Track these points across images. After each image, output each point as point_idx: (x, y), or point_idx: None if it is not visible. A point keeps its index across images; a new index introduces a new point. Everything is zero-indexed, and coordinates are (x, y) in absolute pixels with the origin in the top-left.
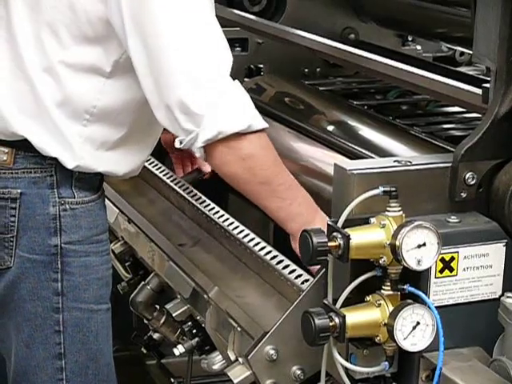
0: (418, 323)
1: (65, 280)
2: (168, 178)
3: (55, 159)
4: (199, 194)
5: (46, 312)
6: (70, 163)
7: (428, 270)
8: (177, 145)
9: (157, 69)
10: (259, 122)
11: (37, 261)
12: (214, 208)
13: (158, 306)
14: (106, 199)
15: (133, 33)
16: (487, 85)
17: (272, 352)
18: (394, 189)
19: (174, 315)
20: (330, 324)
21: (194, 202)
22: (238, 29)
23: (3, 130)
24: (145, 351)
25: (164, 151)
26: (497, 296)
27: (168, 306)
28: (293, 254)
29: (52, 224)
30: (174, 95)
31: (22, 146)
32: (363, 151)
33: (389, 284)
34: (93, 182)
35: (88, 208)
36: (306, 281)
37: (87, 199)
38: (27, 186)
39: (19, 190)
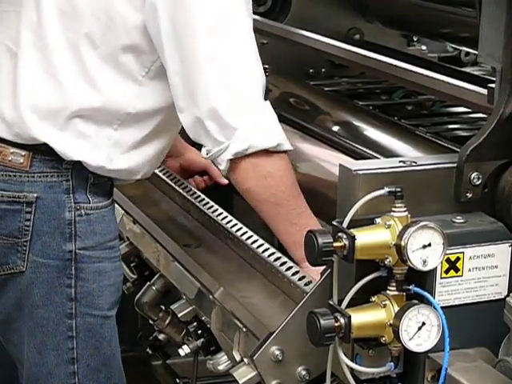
0: (424, 324)
1: (78, 286)
2: (173, 180)
3: (72, 164)
4: (203, 196)
5: (58, 318)
6: (93, 167)
7: (433, 271)
8: (203, 154)
9: (193, 80)
10: (286, 143)
11: (51, 266)
12: (217, 209)
13: (163, 307)
14: None
15: (170, 43)
16: (492, 85)
17: (277, 352)
18: (399, 189)
19: (179, 316)
20: (336, 324)
21: (198, 203)
22: None
23: (22, 134)
24: (150, 352)
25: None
26: (502, 296)
27: (173, 307)
28: None
29: (67, 229)
30: (208, 106)
31: (39, 150)
32: (368, 151)
33: (394, 284)
34: (106, 187)
35: (102, 214)
36: (311, 282)
37: (101, 205)
38: (43, 191)
39: (35, 194)
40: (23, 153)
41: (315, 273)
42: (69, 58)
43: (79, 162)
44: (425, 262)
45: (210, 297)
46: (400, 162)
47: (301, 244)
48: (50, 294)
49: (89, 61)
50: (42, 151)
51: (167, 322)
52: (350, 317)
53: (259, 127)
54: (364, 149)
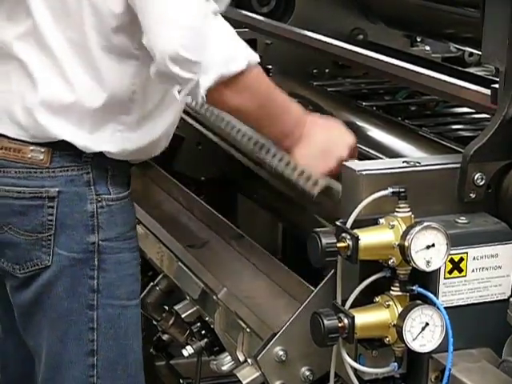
0: (427, 324)
1: (101, 277)
2: (177, 180)
3: (91, 156)
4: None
5: (81, 309)
6: (115, 153)
7: (437, 271)
8: (176, 96)
9: (148, 22)
10: (253, 56)
11: (75, 259)
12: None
13: (166, 307)
14: None
15: None
16: (496, 85)
17: (281, 353)
18: (402, 189)
19: (182, 316)
20: (339, 325)
21: (202, 203)
22: (246, 30)
23: (40, 135)
24: (154, 352)
25: (173, 152)
26: (506, 297)
27: (177, 307)
28: (302, 256)
29: (90, 221)
30: (163, 49)
31: (58, 146)
32: (372, 152)
33: (398, 285)
34: (125, 177)
35: (122, 204)
36: (315, 282)
37: (121, 196)
38: (64, 185)
39: (57, 189)
40: (43, 149)
41: (303, 157)
42: (72, 56)
43: (99, 154)
44: (428, 262)
45: (214, 297)
46: (404, 162)
47: (291, 131)
48: (73, 286)
49: (90, 54)
50: (60, 146)
51: (171, 322)
52: (353, 317)
53: (222, 53)
54: (367, 149)
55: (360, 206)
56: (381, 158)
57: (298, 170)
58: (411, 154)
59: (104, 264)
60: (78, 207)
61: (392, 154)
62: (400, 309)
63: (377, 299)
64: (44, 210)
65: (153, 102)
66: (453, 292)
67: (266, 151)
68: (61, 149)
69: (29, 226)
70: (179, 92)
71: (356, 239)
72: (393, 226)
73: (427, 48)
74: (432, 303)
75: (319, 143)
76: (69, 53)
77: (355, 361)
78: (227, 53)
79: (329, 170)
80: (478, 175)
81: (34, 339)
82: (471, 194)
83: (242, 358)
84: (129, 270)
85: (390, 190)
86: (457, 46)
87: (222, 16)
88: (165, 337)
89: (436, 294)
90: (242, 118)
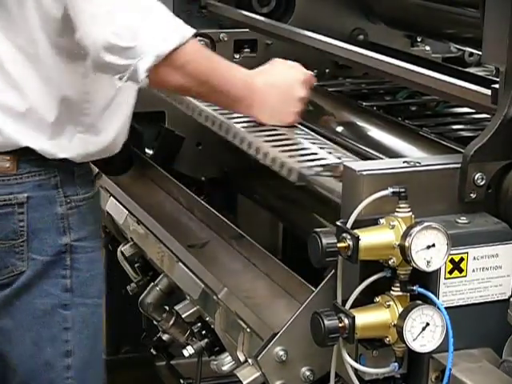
0: (428, 324)
1: (74, 276)
2: (177, 180)
3: (56, 160)
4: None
5: (54, 309)
6: (78, 159)
7: (437, 271)
8: (117, 83)
9: (78, 17)
10: (187, 30)
11: (49, 261)
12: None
13: (167, 308)
14: (115, 200)
15: None
16: (496, 86)
17: (281, 353)
18: (403, 190)
19: (183, 316)
20: (340, 325)
21: (202, 203)
22: (246, 30)
23: (3, 143)
24: (154, 352)
25: (173, 152)
26: (506, 297)
27: (177, 308)
28: (302, 256)
29: (61, 223)
30: (95, 40)
31: (23, 152)
32: (372, 152)
33: (398, 285)
34: (90, 176)
35: (90, 204)
36: (316, 282)
37: (88, 195)
38: (33, 190)
39: (25, 194)
40: (7, 157)
41: (264, 116)
42: (21, 62)
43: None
44: (429, 262)
45: (214, 297)
46: (404, 162)
47: (241, 96)
48: (47, 286)
49: (40, 59)
50: (25, 153)
51: (171, 322)
52: (354, 317)
53: (155, 34)
54: (368, 149)
55: (360, 206)
56: (381, 158)
57: (276, 161)
58: (411, 154)
59: (76, 263)
60: (47, 211)
61: (392, 154)
62: (400, 309)
63: (377, 299)
64: (14, 216)
65: (107, 98)
66: (453, 292)
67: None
68: (26, 155)
69: (1, 234)
70: (121, 79)
71: (356, 239)
72: (393, 226)
73: (427, 48)
74: (432, 303)
75: (274, 95)
76: (19, 61)
77: (356, 361)
78: (160, 33)
79: (296, 115)
80: (478, 175)
81: (9, 344)
82: (471, 194)
83: (242, 358)
84: (99, 269)
85: (391, 190)
86: (457, 46)
87: (223, 16)
88: (165, 337)
89: (436, 294)
90: (188, 93)
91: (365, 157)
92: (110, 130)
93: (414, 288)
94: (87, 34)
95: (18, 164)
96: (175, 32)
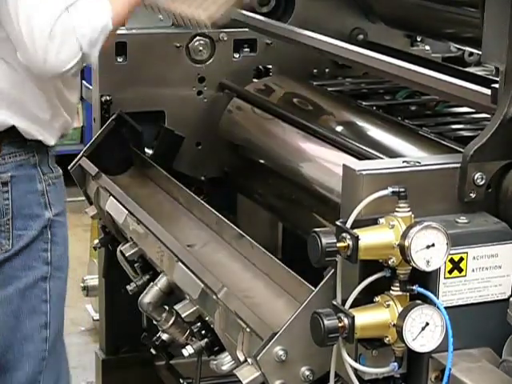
0: (427, 324)
1: (53, 250)
2: (177, 179)
3: (34, 140)
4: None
5: (35, 282)
6: (51, 140)
7: (437, 271)
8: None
9: (16, 38)
10: (105, 2)
11: (32, 236)
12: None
13: (166, 307)
14: (115, 200)
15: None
16: (496, 85)
17: (281, 353)
18: (402, 189)
19: (183, 316)
20: (339, 325)
21: (202, 202)
22: (246, 30)
23: None
24: (154, 352)
25: (173, 152)
26: (506, 296)
27: (177, 307)
28: (302, 255)
29: (42, 199)
30: (42, 63)
31: (6, 134)
32: (372, 152)
33: (398, 285)
34: (55, 157)
35: (61, 182)
36: (315, 282)
37: (58, 174)
38: (15, 169)
39: (9, 174)
40: None
41: None
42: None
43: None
44: (428, 262)
45: (214, 297)
46: (404, 162)
47: None
48: (29, 260)
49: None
50: (8, 134)
51: (171, 322)
52: (353, 317)
53: (93, 25)
54: (368, 149)
55: (360, 206)
56: (381, 158)
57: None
58: (411, 154)
59: (55, 237)
60: (29, 188)
61: (392, 153)
62: (400, 309)
63: (377, 299)
64: (0, 196)
65: (56, 87)
66: (453, 292)
67: None
68: (8, 136)
69: None
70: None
71: (356, 239)
72: (393, 226)
73: (427, 48)
74: (432, 303)
75: None
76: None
77: (355, 361)
78: (96, 22)
79: None
80: (478, 175)
81: None
82: (471, 194)
83: (241, 358)
84: (68, 244)
85: (390, 189)
86: (457, 46)
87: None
88: (165, 337)
89: (436, 293)
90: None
91: (364, 156)
92: (74, 111)
93: (414, 288)
94: (31, 58)
95: (1, 146)
96: (103, 13)
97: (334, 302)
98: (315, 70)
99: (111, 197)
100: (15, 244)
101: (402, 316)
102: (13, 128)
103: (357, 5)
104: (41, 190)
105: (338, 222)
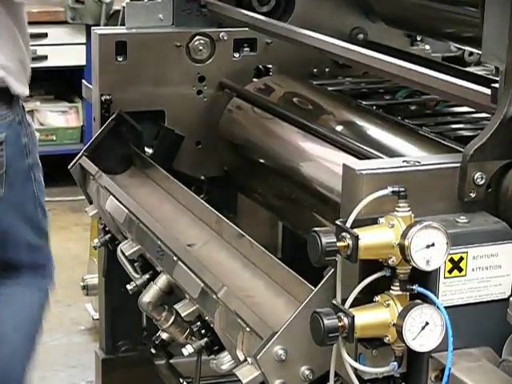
0: (427, 323)
1: (38, 190)
2: (177, 179)
3: (18, 99)
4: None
5: (27, 219)
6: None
7: (437, 271)
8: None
9: None
10: None
11: (20, 177)
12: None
13: (166, 306)
14: (115, 199)
15: None
16: (496, 85)
17: (281, 352)
18: (402, 189)
19: (182, 315)
20: (339, 324)
21: (202, 201)
22: (246, 29)
23: None
24: (153, 351)
25: (173, 151)
26: (506, 296)
27: (177, 306)
28: (301, 255)
29: (25, 151)
30: None
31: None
32: (372, 151)
33: (398, 284)
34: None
35: (33, 131)
36: (315, 281)
37: (32, 126)
38: (7, 129)
39: (4, 134)
40: None
41: None
42: None
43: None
44: (428, 261)
45: (214, 296)
46: (404, 161)
47: None
48: (22, 199)
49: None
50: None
51: (171, 321)
52: (353, 316)
53: None
54: (367, 148)
55: (360, 206)
56: (381, 158)
57: None
58: (411, 154)
59: (38, 177)
60: (17, 143)
61: (392, 153)
62: (400, 308)
63: (377, 298)
64: None
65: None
66: (453, 291)
67: None
68: (2, 98)
69: None
70: None
71: (356, 238)
72: (393, 226)
73: (427, 47)
74: (432, 302)
75: None
76: None
77: (355, 360)
78: None
79: None
80: (477, 174)
81: None
82: (471, 194)
83: (241, 357)
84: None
85: (390, 189)
86: (457, 46)
87: (222, 15)
88: (165, 336)
89: (436, 293)
90: None
91: (364, 156)
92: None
93: (414, 287)
94: None
95: None
96: None
97: (334, 302)
98: (315, 70)
99: (111, 196)
100: (8, 189)
101: (402, 315)
102: (6, 89)
103: (357, 4)
104: (24, 143)
105: (337, 222)
